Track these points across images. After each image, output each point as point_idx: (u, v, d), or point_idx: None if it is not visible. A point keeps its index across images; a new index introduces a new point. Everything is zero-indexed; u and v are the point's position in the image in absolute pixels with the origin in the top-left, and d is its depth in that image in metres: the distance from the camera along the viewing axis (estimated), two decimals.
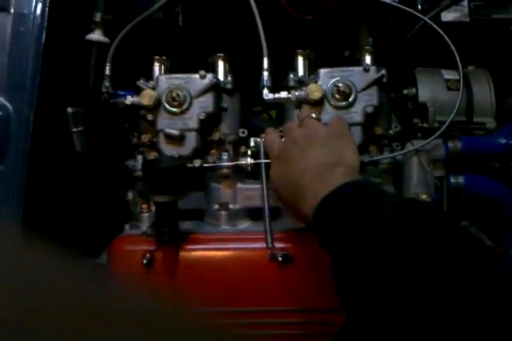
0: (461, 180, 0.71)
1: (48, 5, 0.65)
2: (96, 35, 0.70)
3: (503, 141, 0.70)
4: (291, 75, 0.74)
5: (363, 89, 0.69)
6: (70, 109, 0.71)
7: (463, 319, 0.34)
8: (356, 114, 0.69)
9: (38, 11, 0.64)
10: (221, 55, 0.78)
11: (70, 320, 0.18)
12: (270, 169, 0.63)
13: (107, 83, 0.74)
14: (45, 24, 0.64)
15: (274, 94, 0.71)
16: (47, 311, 0.18)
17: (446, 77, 0.77)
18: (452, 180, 0.71)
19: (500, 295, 0.35)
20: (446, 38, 0.71)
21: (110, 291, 0.22)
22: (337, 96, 0.69)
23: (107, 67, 0.74)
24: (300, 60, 0.77)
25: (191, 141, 0.72)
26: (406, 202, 0.49)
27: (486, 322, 0.34)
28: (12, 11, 0.65)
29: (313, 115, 0.64)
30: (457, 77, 0.75)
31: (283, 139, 0.64)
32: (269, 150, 0.64)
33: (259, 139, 0.75)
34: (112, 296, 0.21)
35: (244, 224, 0.73)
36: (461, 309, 0.35)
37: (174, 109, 0.71)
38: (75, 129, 0.72)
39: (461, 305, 0.35)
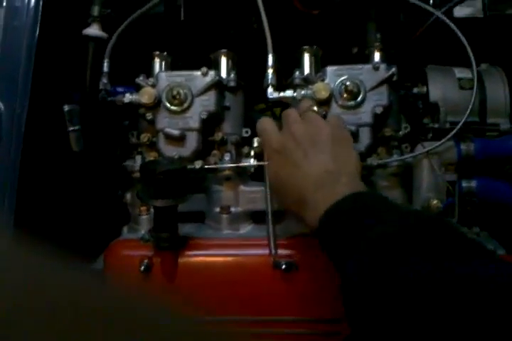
0: (473, 184, 0.68)
1: None
2: (93, 30, 0.68)
3: None
4: (297, 73, 0.71)
5: (372, 88, 0.66)
6: (66, 107, 0.69)
7: (468, 328, 0.35)
8: (365, 114, 0.66)
9: (32, 4, 0.61)
10: (224, 51, 0.75)
11: (61, 323, 0.17)
12: (268, 162, 0.60)
13: (104, 80, 0.71)
14: (39, 18, 0.61)
15: (279, 92, 0.68)
16: (36, 313, 0.17)
17: (459, 75, 0.73)
18: (464, 184, 0.68)
19: (500, 299, 0.36)
20: (460, 34, 0.67)
21: (106, 294, 0.21)
22: (345, 95, 0.66)
23: (105, 64, 0.71)
24: (306, 56, 0.74)
25: (192, 141, 0.69)
26: (408, 215, 0.47)
27: (488, 330, 0.34)
28: (4, 4, 0.62)
29: (315, 108, 0.61)
30: (470, 76, 0.72)
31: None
32: (266, 142, 0.61)
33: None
34: (107, 299, 0.20)
35: (247, 228, 0.70)
36: (467, 319, 0.35)
37: (175, 108, 0.68)
38: (71, 128, 0.69)
39: (466, 315, 0.36)
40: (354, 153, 0.58)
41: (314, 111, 0.61)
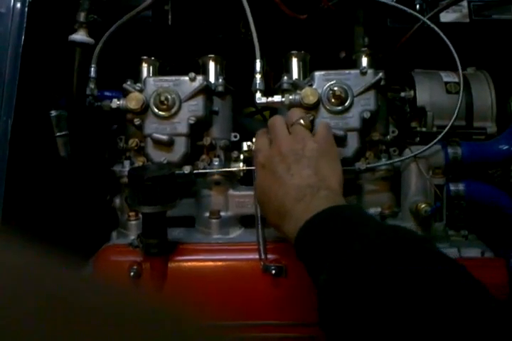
0: (461, 187, 0.68)
1: (27, 3, 0.61)
2: (80, 36, 0.67)
3: (505, 147, 0.68)
4: (285, 78, 0.71)
5: (360, 93, 0.66)
6: (53, 113, 0.69)
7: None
8: (352, 119, 0.66)
9: (17, 10, 0.61)
10: (212, 55, 0.75)
11: (50, 323, 0.17)
12: (256, 177, 0.61)
13: (91, 85, 0.70)
14: (25, 24, 0.61)
15: (267, 97, 0.68)
16: (25, 313, 0.17)
17: (445, 79, 0.74)
18: (452, 187, 0.68)
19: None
20: (446, 38, 0.68)
21: (96, 295, 0.20)
22: (333, 100, 0.66)
23: (92, 69, 0.71)
24: (294, 61, 0.75)
25: (180, 146, 0.69)
26: (384, 231, 0.47)
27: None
28: None
29: (302, 121, 0.61)
30: (456, 80, 0.73)
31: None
32: (255, 156, 0.62)
33: (251, 143, 0.72)
34: (98, 300, 0.20)
35: (237, 232, 0.70)
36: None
37: (162, 113, 0.68)
38: (58, 133, 0.69)
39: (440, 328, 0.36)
40: (338, 168, 0.58)
41: (302, 124, 0.61)
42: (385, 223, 0.65)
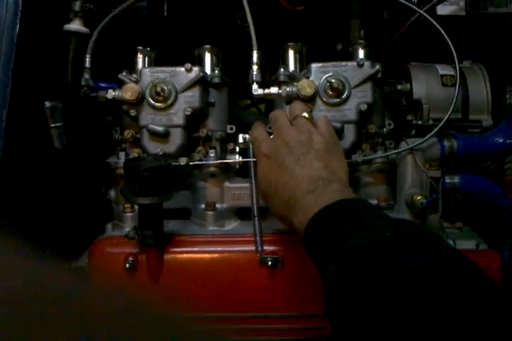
0: (456, 180, 0.68)
1: None
2: (75, 25, 0.66)
3: (500, 140, 0.68)
4: (282, 70, 0.71)
5: (357, 86, 0.66)
6: (47, 104, 0.68)
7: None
8: (349, 111, 0.66)
9: None
10: (208, 47, 0.75)
11: (47, 319, 0.17)
12: (258, 167, 0.60)
13: (86, 76, 0.70)
14: (19, 12, 0.60)
15: (264, 89, 0.68)
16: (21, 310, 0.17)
17: (441, 72, 0.74)
18: (448, 180, 0.68)
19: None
20: (443, 31, 0.68)
21: (91, 293, 0.21)
22: (330, 92, 0.66)
23: (87, 59, 0.70)
24: (291, 53, 0.74)
25: (176, 137, 0.68)
26: (395, 224, 0.47)
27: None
28: None
29: (306, 114, 0.61)
30: (452, 73, 0.73)
31: (271, 136, 0.61)
32: (256, 147, 0.61)
33: (247, 136, 0.72)
34: (92, 298, 0.20)
35: (232, 225, 0.70)
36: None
37: (158, 104, 0.67)
38: (53, 125, 0.68)
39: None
40: (344, 162, 0.59)
41: (306, 117, 0.61)
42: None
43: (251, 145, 0.66)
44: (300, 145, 0.57)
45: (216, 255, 0.63)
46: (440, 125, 0.66)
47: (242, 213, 0.71)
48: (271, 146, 0.59)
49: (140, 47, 0.76)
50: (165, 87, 0.67)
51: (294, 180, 0.54)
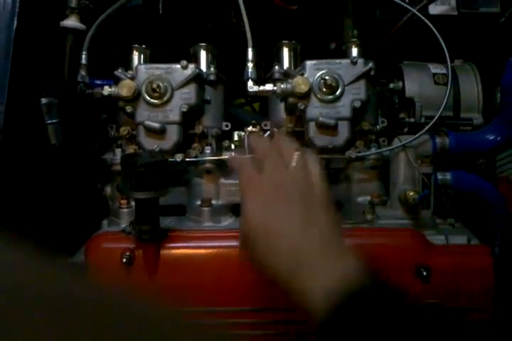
0: (448, 176, 0.70)
1: None
2: (71, 22, 0.67)
3: (491, 138, 0.69)
4: (277, 67, 0.71)
5: (351, 83, 0.67)
6: (43, 100, 0.68)
7: None
8: (344, 108, 0.67)
9: None
10: (204, 44, 0.75)
11: (42, 317, 0.17)
12: (244, 203, 0.51)
13: (83, 72, 0.70)
14: (17, 9, 0.60)
15: (259, 86, 0.69)
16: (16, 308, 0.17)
17: (434, 71, 0.75)
18: (440, 176, 0.70)
19: None
20: (435, 30, 0.69)
21: (87, 289, 0.20)
22: (324, 89, 0.67)
23: (83, 56, 0.70)
24: (285, 51, 0.75)
25: (172, 134, 0.69)
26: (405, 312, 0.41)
27: None
28: None
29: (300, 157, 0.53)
30: (445, 71, 0.74)
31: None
32: (246, 187, 0.53)
33: (242, 133, 0.73)
34: (89, 294, 0.20)
35: (228, 221, 0.71)
36: None
37: (154, 101, 0.68)
38: (49, 121, 0.68)
39: None
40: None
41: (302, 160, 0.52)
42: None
43: (246, 142, 0.67)
44: (299, 191, 0.49)
45: (212, 250, 0.63)
46: (432, 122, 0.68)
47: (237, 209, 0.71)
48: (265, 180, 0.51)
49: (136, 45, 0.76)
50: (161, 84, 0.67)
51: (304, 230, 0.46)
